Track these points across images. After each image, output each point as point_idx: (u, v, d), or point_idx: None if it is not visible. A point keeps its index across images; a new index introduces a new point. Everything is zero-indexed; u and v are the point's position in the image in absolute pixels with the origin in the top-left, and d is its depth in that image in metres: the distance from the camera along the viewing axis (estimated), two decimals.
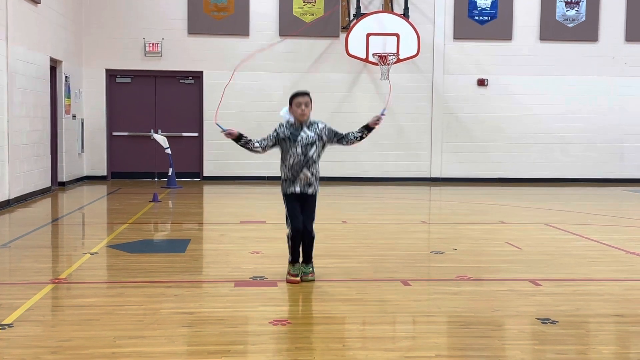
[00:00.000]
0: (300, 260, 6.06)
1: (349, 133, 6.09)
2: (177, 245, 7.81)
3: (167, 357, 4.12)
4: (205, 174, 16.29)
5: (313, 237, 6.03)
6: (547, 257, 7.31)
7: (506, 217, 10.51)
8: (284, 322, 4.82)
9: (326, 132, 6.00)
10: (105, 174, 16.15)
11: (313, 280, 6.01)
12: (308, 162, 5.91)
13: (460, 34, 16.45)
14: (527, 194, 14.27)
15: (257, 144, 5.98)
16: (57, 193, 13.27)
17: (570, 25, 16.60)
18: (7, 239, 8.31)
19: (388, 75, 14.62)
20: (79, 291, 5.77)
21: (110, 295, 5.66)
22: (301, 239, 5.97)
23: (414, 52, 14.51)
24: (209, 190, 14.67)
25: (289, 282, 5.94)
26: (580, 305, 5.40)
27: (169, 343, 4.37)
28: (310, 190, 5.97)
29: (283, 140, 5.93)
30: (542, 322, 4.88)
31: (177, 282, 6.03)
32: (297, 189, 5.93)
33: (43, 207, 11.40)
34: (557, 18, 16.57)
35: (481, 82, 16.54)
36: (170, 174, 14.51)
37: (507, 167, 16.75)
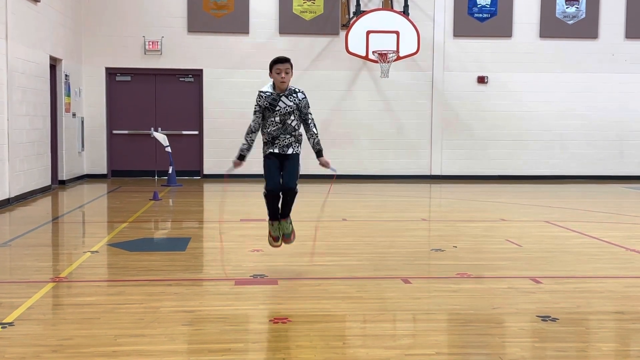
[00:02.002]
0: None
1: (312, 131, 6.04)
2: (177, 244, 7.82)
3: (167, 355, 4.13)
4: (205, 172, 16.30)
5: (296, 193, 6.03)
6: (547, 255, 7.32)
7: (506, 215, 10.52)
8: (284, 320, 4.83)
9: (303, 105, 5.99)
10: (105, 172, 16.16)
11: (292, 241, 6.18)
12: (287, 129, 5.95)
13: (460, 31, 16.44)
14: (527, 191, 14.28)
15: (253, 136, 6.00)
16: (57, 191, 13.28)
17: (570, 22, 16.60)
18: (7, 237, 8.31)
19: (388, 72, 14.63)
20: (79, 289, 5.78)
21: (110, 294, 5.66)
22: (283, 196, 5.98)
23: (414, 50, 14.51)
24: (209, 188, 14.68)
25: (271, 245, 6.18)
26: (581, 302, 5.41)
27: (170, 341, 4.37)
28: (289, 151, 5.99)
29: (265, 109, 5.95)
30: (542, 320, 4.88)
31: (178, 280, 6.04)
32: (276, 150, 5.97)
33: (43, 205, 11.40)
34: (557, 15, 16.56)
35: (481, 80, 16.53)
36: (170, 172, 14.50)
37: (507, 165, 16.75)
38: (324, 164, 6.14)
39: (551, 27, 16.56)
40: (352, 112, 16.30)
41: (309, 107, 6.06)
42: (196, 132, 16.29)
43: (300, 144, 6.09)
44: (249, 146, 6.02)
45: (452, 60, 16.47)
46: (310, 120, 6.07)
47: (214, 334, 4.54)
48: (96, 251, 7.30)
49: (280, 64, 5.87)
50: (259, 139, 6.11)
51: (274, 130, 5.94)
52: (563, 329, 4.70)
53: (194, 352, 4.22)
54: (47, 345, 4.27)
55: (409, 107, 16.44)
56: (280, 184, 5.97)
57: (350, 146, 16.28)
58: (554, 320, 4.88)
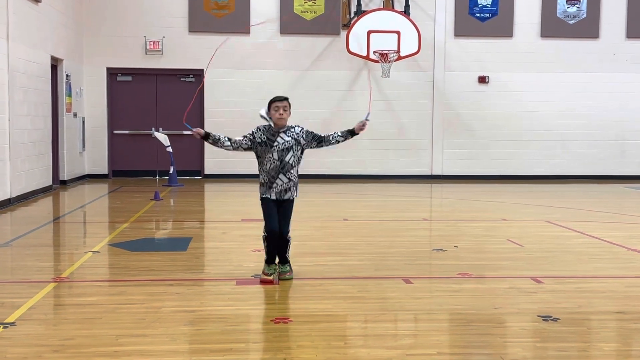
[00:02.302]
0: (277, 261, 6.04)
1: (329, 135, 6.06)
2: (178, 244, 7.82)
3: (169, 355, 4.13)
4: (206, 172, 16.30)
5: (288, 241, 6.01)
6: (548, 255, 7.32)
7: (507, 215, 10.51)
8: (286, 320, 4.83)
9: (304, 136, 5.97)
10: (106, 172, 16.16)
11: (291, 279, 5.97)
12: (284, 167, 5.88)
13: (460, 31, 16.43)
14: (528, 191, 14.27)
15: (227, 142, 5.95)
16: (58, 191, 13.28)
17: (571, 22, 16.59)
18: (9, 237, 8.31)
19: (389, 72, 14.62)
20: (80, 290, 5.78)
21: (112, 294, 5.66)
22: (277, 242, 5.94)
23: (415, 50, 14.51)
24: (210, 188, 14.68)
25: (261, 281, 5.91)
26: (582, 302, 5.40)
27: (171, 341, 4.37)
28: (286, 196, 5.95)
29: (259, 144, 5.89)
30: (543, 320, 4.88)
31: (179, 280, 6.04)
32: (273, 196, 5.91)
33: (44, 205, 11.41)
34: (557, 15, 16.55)
35: (482, 79, 16.53)
36: (171, 172, 14.51)
37: (508, 164, 16.74)
38: (363, 124, 6.03)
39: (552, 26, 16.55)
40: (352, 112, 16.24)
41: (311, 132, 6.02)
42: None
43: (297, 187, 6.03)
44: (217, 138, 5.96)
45: (453, 60, 16.47)
46: (322, 135, 6.04)
47: (215, 334, 4.54)
48: (97, 251, 7.31)
49: (278, 102, 5.86)
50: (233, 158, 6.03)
51: (272, 169, 5.85)
52: (564, 329, 4.70)
53: (195, 352, 4.22)
54: (49, 345, 4.27)
55: (409, 106, 16.44)
56: (278, 227, 5.90)
57: (351, 146, 16.18)
58: (555, 320, 4.88)
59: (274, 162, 5.86)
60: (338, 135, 6.06)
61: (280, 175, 5.88)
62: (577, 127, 16.75)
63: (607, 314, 5.12)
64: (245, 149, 5.97)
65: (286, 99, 5.93)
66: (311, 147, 6.06)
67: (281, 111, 5.84)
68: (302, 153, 6.00)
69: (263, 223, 5.99)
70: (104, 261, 6.96)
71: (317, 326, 4.73)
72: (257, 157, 5.97)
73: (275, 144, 5.86)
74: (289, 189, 5.93)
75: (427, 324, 4.85)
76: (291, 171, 5.91)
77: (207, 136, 5.99)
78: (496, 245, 7.95)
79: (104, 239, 8.04)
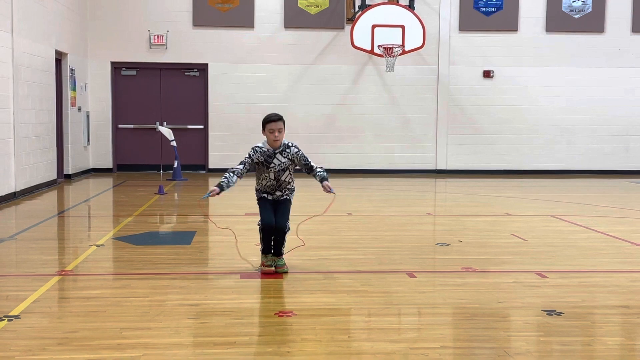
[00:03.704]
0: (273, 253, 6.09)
1: (316, 170, 6.08)
2: (182, 238, 7.83)
3: (172, 348, 4.14)
4: (210, 166, 16.30)
5: (286, 232, 6.02)
6: (552, 249, 7.31)
7: (511, 209, 10.50)
8: (290, 314, 4.84)
9: (297, 158, 6.04)
10: (110, 166, 16.19)
11: (287, 272, 5.98)
12: (281, 185, 6.05)
13: (465, 25, 16.39)
14: (532, 185, 14.25)
15: (235, 178, 5.95)
16: (62, 185, 13.31)
17: (577, 16, 16.53)
18: (13, 231, 8.34)
19: (393, 67, 14.60)
20: (85, 283, 5.80)
21: (116, 287, 5.68)
22: (273, 233, 5.98)
23: (420, 44, 14.47)
24: (214, 182, 14.64)
25: (263, 272, 5.97)
26: (586, 296, 5.40)
27: (175, 334, 4.38)
28: (282, 198, 6.09)
29: (257, 164, 6.00)
30: (547, 314, 4.88)
31: (183, 274, 6.05)
32: (270, 198, 6.08)
33: (49, 199, 11.43)
34: (563, 9, 16.50)
35: (487, 74, 16.49)
36: (175, 166, 14.52)
37: (512, 159, 16.72)
38: (325, 187, 6.04)
39: (557, 21, 16.50)
40: (357, 106, 16.27)
41: (305, 157, 6.07)
42: (201, 127, 16.30)
43: (292, 192, 6.18)
44: (228, 183, 5.94)
45: (457, 54, 16.43)
46: (312, 165, 6.10)
47: (219, 327, 4.55)
48: (102, 245, 7.32)
49: (272, 123, 5.89)
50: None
51: (268, 186, 6.04)
52: (568, 323, 4.69)
53: (199, 345, 4.23)
54: (53, 337, 4.28)
55: (414, 101, 16.42)
56: (274, 221, 5.97)
57: (355, 140, 16.27)
58: (559, 314, 4.87)
59: (270, 180, 6.02)
60: (320, 176, 6.06)
61: (277, 192, 6.08)
62: (581, 121, 16.71)
63: (611, 309, 5.12)
64: (247, 172, 6.05)
65: (280, 118, 5.96)
66: (300, 168, 6.19)
67: (276, 134, 5.90)
68: (295, 168, 6.14)
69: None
70: (108, 255, 6.98)
71: (321, 320, 4.74)
72: (256, 172, 6.09)
73: (272, 165, 5.97)
74: (284, 194, 6.11)
75: (430, 318, 4.85)
76: (287, 186, 6.09)
77: (222, 189, 5.96)
78: (500, 239, 7.94)
79: (108, 233, 8.05)
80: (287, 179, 6.05)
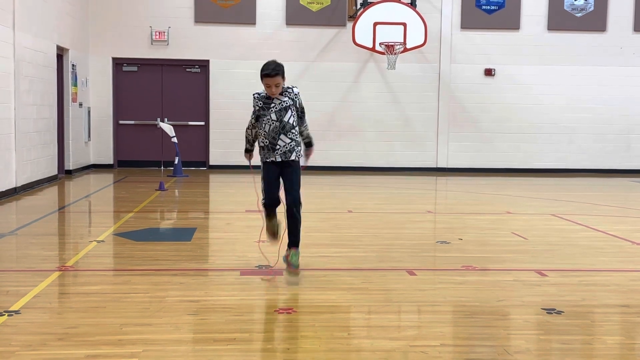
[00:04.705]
0: (287, 243, 5.81)
1: (304, 127, 5.84)
2: (183, 234, 7.84)
3: (172, 344, 4.14)
4: (211, 163, 16.31)
5: (300, 205, 5.72)
6: (553, 248, 7.31)
7: (512, 207, 10.50)
8: (290, 311, 4.84)
9: (298, 102, 5.75)
10: (111, 162, 16.19)
11: (298, 273, 5.71)
12: (285, 128, 5.66)
13: (467, 23, 16.38)
14: (533, 184, 14.25)
15: (250, 133, 5.89)
16: (63, 181, 13.31)
17: (579, 14, 16.52)
18: (14, 226, 8.34)
19: (395, 64, 14.59)
20: (85, 278, 5.80)
21: (116, 283, 5.68)
22: (287, 214, 5.70)
23: (421, 42, 14.47)
24: (214, 178, 14.69)
25: (270, 240, 5.99)
26: (586, 295, 5.40)
27: (175, 330, 4.39)
28: (292, 157, 5.70)
29: (259, 110, 5.73)
30: (547, 312, 4.88)
31: (183, 270, 6.05)
32: (277, 158, 5.68)
33: (50, 194, 11.43)
34: (565, 7, 16.48)
35: (488, 72, 16.48)
36: (176, 162, 14.52)
37: (513, 157, 16.71)
38: (306, 157, 5.88)
39: (559, 19, 16.49)
40: (358, 103, 16.26)
41: (302, 106, 5.83)
42: (202, 123, 16.30)
43: (300, 147, 5.83)
44: (249, 141, 5.93)
45: (459, 52, 16.42)
46: (304, 119, 5.86)
47: (219, 323, 4.55)
48: (102, 241, 7.33)
49: (269, 78, 5.54)
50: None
51: (272, 130, 5.64)
52: (568, 322, 4.69)
53: (199, 342, 4.23)
54: (53, 333, 4.29)
55: (415, 99, 16.41)
56: (279, 199, 5.75)
57: (356, 138, 16.26)
58: (559, 313, 4.87)
59: (273, 122, 5.65)
60: (306, 134, 5.85)
61: (282, 136, 5.67)
62: (583, 120, 16.71)
63: (611, 307, 5.12)
64: (257, 122, 5.80)
65: (278, 73, 5.53)
66: None
67: (273, 89, 5.60)
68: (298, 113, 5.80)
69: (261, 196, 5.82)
70: (108, 250, 6.98)
71: (321, 317, 4.74)
72: (258, 122, 5.79)
73: (272, 105, 5.67)
74: (294, 149, 5.72)
75: (430, 316, 4.85)
76: (292, 131, 5.70)
77: (248, 151, 5.99)
78: (501, 238, 7.94)
79: (109, 229, 8.05)
80: (291, 122, 5.67)
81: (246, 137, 6.00)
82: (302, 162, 5.84)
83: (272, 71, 5.54)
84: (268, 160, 5.73)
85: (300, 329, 4.50)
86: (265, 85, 5.62)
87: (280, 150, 5.69)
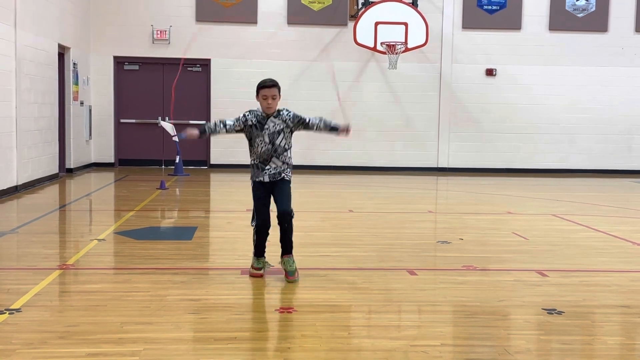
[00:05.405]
0: (280, 255, 5.81)
1: (314, 121, 5.79)
2: (184, 233, 7.84)
3: (173, 343, 4.14)
4: (212, 162, 16.31)
5: (291, 217, 5.73)
6: (553, 248, 7.31)
7: (513, 208, 10.50)
8: (290, 310, 4.84)
9: (291, 119, 5.72)
10: (112, 160, 16.19)
11: (297, 279, 5.68)
12: (277, 151, 5.68)
13: (469, 23, 16.37)
14: (534, 184, 14.24)
15: (222, 128, 5.72)
16: (64, 179, 13.32)
17: (580, 15, 16.51)
18: (15, 224, 8.34)
19: (396, 64, 14.59)
20: (86, 277, 5.80)
21: (117, 282, 5.69)
22: (280, 225, 5.72)
23: (423, 41, 14.47)
24: (215, 178, 14.70)
25: (251, 275, 5.79)
26: (586, 296, 5.40)
27: (176, 329, 4.39)
28: (279, 177, 5.72)
29: (250, 127, 5.71)
30: (547, 313, 4.88)
31: (184, 269, 6.06)
32: (266, 178, 5.71)
33: (51, 193, 11.44)
34: (566, 8, 16.47)
35: (489, 72, 16.48)
36: (177, 161, 14.53)
37: (514, 157, 16.71)
38: (342, 130, 5.82)
39: (561, 19, 16.48)
40: (359, 103, 16.26)
41: (297, 116, 5.76)
42: (203, 122, 16.27)
43: (291, 170, 5.84)
44: (212, 130, 5.75)
45: (460, 52, 16.41)
46: (306, 120, 5.78)
47: (219, 322, 4.55)
48: (103, 239, 7.33)
49: (266, 89, 5.59)
50: (229, 142, 5.84)
51: (264, 152, 5.65)
52: (569, 322, 4.70)
53: (199, 340, 4.23)
54: (54, 331, 4.29)
55: (416, 99, 16.41)
56: (269, 220, 5.73)
57: (357, 138, 16.22)
58: (559, 313, 4.88)
59: (265, 145, 5.67)
60: (323, 124, 5.80)
61: (274, 159, 5.70)
62: (584, 121, 16.70)
63: (611, 308, 5.12)
64: (237, 132, 5.79)
65: (275, 85, 5.63)
66: (298, 130, 5.82)
67: (269, 100, 5.62)
68: (291, 134, 5.79)
69: (252, 215, 5.82)
70: (109, 249, 6.98)
71: (321, 316, 4.74)
72: (249, 140, 5.78)
73: (266, 127, 5.67)
74: (283, 171, 5.74)
75: (431, 316, 4.85)
76: (284, 154, 5.73)
77: (202, 133, 5.79)
78: (501, 238, 7.94)
79: (110, 227, 8.06)
80: (283, 145, 5.70)
81: (215, 125, 5.76)
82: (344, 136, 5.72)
83: (269, 82, 5.64)
84: (257, 180, 5.78)
85: (300, 328, 4.50)
86: (262, 98, 5.65)
87: (270, 172, 5.73)
